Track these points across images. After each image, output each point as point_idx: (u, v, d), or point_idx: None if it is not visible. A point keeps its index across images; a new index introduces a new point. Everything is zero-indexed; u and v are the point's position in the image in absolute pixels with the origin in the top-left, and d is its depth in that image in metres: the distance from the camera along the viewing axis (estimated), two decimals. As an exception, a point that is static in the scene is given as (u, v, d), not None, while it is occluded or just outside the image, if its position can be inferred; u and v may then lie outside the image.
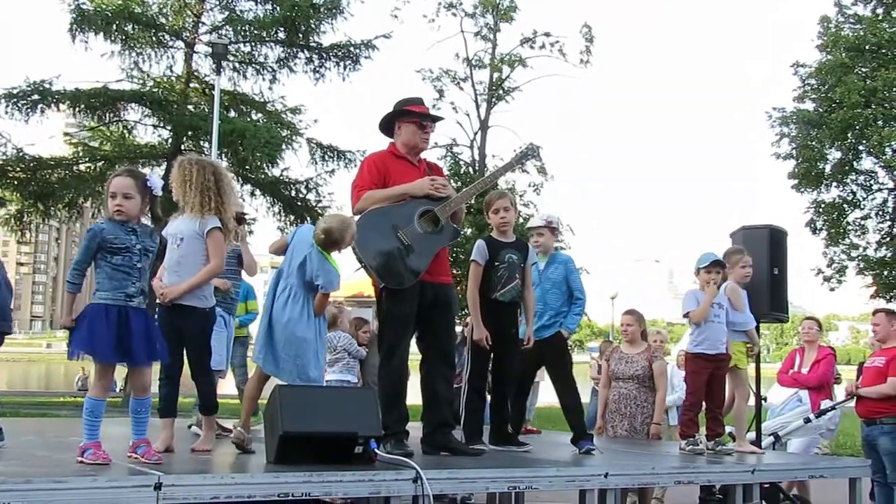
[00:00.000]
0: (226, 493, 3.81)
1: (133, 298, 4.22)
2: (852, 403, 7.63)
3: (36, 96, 20.44)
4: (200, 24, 22.70)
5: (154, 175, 4.49)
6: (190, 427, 6.31)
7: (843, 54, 25.01)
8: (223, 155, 21.01)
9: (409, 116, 5.56)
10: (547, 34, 27.57)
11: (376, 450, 4.54)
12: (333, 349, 8.14)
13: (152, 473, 3.73)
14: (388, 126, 5.67)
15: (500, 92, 27.44)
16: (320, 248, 5.14)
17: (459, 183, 23.77)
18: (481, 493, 7.32)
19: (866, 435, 7.37)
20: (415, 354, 5.69)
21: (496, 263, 5.90)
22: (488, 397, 6.30)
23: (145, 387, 4.36)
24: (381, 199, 5.35)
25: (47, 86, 20.54)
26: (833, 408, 7.77)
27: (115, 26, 20.91)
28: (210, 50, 21.24)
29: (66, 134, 24.27)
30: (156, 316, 4.72)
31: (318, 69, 23.13)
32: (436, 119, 5.77)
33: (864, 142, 24.63)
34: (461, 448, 5.37)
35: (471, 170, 26.50)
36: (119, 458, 4.21)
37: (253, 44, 23.03)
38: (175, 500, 3.65)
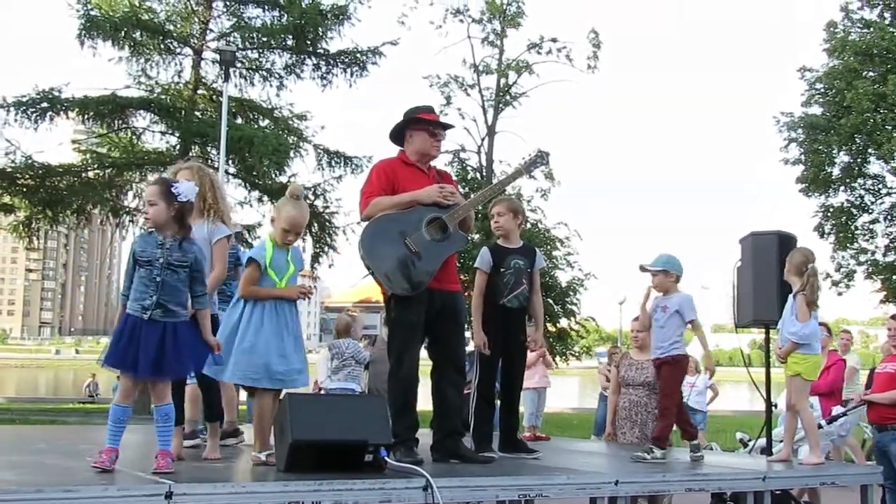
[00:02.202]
0: (236, 503, 3.81)
1: (147, 311, 4.19)
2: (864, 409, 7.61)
3: (45, 104, 20.57)
4: (208, 31, 22.81)
5: (184, 181, 4.45)
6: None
7: (852, 58, 24.96)
8: (231, 161, 21.08)
9: (420, 124, 5.56)
10: (554, 40, 27.54)
11: (386, 458, 4.54)
12: (341, 356, 8.09)
13: (163, 482, 3.73)
14: (398, 134, 5.65)
15: (508, 98, 27.43)
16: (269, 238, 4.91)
17: (467, 188, 23.76)
18: (491, 501, 7.30)
19: (877, 441, 7.34)
20: (426, 361, 5.68)
21: (502, 269, 5.89)
22: (497, 404, 6.28)
23: (160, 396, 4.29)
24: (390, 206, 5.34)
25: (56, 94, 20.66)
26: (844, 414, 7.74)
27: (123, 33, 21.01)
28: (218, 57, 21.33)
29: (74, 141, 24.37)
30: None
31: (325, 76, 23.20)
32: (447, 127, 5.77)
33: (873, 147, 24.57)
34: (471, 456, 5.35)
35: (478, 175, 26.51)
36: (128, 467, 4.21)
37: (260, 50, 23.12)
38: (186, 509, 3.65)
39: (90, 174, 22.41)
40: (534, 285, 6.05)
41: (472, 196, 6.03)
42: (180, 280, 4.28)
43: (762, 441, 7.68)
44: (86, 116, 21.39)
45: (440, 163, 5.86)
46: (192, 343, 4.31)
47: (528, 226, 23.25)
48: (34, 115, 20.50)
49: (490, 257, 5.94)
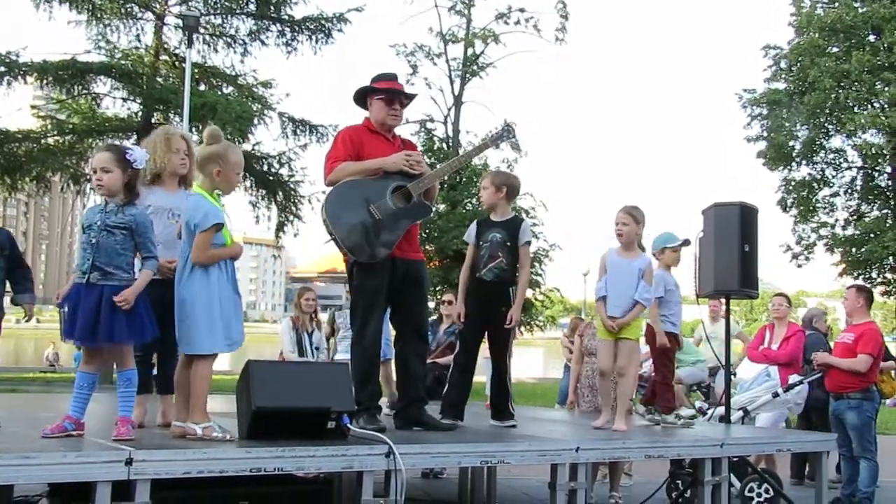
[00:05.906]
0: (197, 469, 3.80)
1: (85, 275, 4.16)
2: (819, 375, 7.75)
3: (2, 68, 20.08)
4: (170, -4, 22.36)
5: (136, 148, 4.36)
6: None
7: (817, 34, 25.13)
8: (194, 129, 20.79)
9: (376, 93, 5.52)
10: (521, 10, 27.43)
11: (349, 425, 4.55)
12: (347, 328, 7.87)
13: (123, 449, 3.70)
14: (361, 101, 5.63)
15: (475, 68, 27.29)
16: (198, 186, 4.53)
17: (433, 158, 23.65)
18: (454, 467, 7.36)
19: (834, 409, 7.49)
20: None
21: (481, 243, 5.92)
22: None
23: (122, 361, 4.22)
24: (355, 172, 5.31)
25: (14, 58, 20.16)
26: (801, 382, 7.87)
27: (81, -5, 20.57)
28: (180, 22, 20.94)
29: (33, 107, 23.83)
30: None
31: (289, 42, 22.87)
32: (406, 95, 5.69)
33: (836, 124, 24.85)
34: (434, 423, 5.38)
35: (444, 146, 26.42)
36: (89, 434, 4.17)
37: (224, 16, 22.74)
38: (146, 476, 3.63)
39: (50, 140, 21.95)
40: (520, 259, 5.92)
41: (437, 166, 6.00)
42: (117, 242, 4.19)
43: (721, 409, 7.79)
44: (44, 81, 20.91)
45: (406, 132, 5.81)
46: (130, 308, 4.14)
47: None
48: (-9, 80, 20.06)
49: (475, 231, 5.98)
